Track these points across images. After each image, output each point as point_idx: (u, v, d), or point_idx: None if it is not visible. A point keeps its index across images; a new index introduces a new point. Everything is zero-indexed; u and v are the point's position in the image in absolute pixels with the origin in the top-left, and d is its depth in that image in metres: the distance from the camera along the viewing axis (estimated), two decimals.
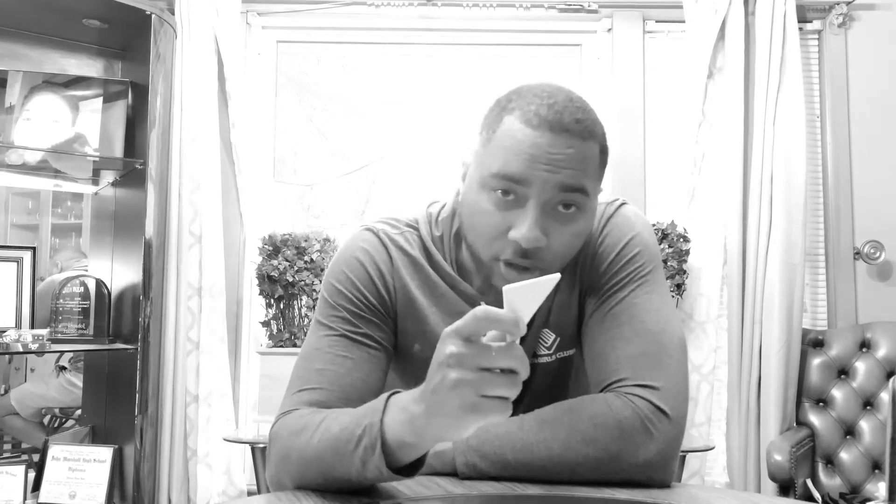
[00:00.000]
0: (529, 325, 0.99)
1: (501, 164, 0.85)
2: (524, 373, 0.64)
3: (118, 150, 2.32)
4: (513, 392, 0.64)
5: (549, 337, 1.00)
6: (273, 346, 2.42)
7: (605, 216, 0.98)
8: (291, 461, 0.84)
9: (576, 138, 0.84)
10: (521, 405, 1.00)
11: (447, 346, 0.65)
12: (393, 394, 0.75)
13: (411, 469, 0.75)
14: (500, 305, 0.99)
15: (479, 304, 0.97)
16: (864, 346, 2.45)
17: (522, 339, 0.99)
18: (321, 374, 0.92)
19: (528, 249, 0.86)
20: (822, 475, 2.35)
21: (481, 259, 0.92)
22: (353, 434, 0.75)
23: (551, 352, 1.00)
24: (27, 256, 2.32)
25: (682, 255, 2.47)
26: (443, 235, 1.01)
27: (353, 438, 0.75)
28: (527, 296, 0.64)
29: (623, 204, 1.01)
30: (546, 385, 1.01)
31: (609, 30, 2.80)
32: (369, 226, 1.02)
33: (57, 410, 3.23)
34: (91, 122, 2.33)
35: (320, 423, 0.82)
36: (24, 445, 3.27)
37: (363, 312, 0.96)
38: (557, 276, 0.64)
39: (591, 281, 0.97)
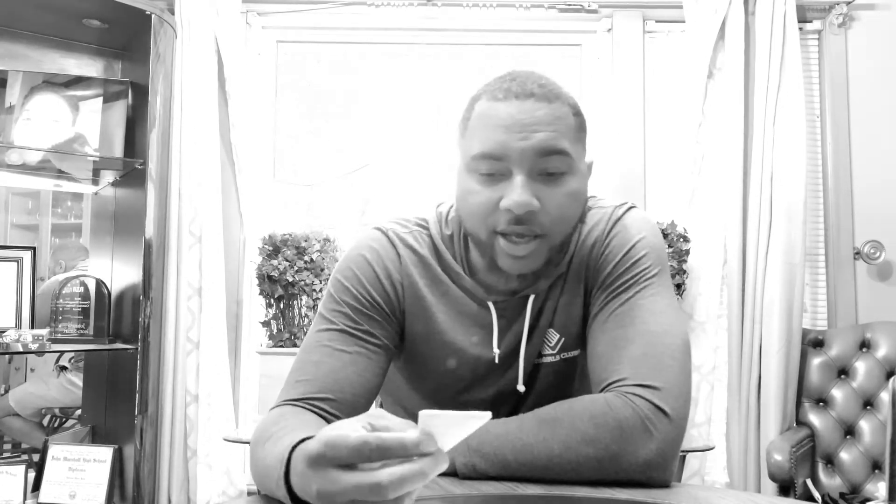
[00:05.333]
0: (534, 326, 0.99)
1: (479, 145, 0.90)
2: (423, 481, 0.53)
3: (118, 150, 2.32)
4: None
5: (554, 337, 1.00)
6: (273, 346, 2.42)
7: (613, 218, 0.99)
8: (252, 471, 0.86)
9: (542, 101, 0.89)
10: (525, 405, 1.00)
11: (313, 479, 0.55)
12: (296, 446, 0.66)
13: None
14: (509, 305, 1.00)
15: (487, 303, 0.98)
16: (864, 346, 2.45)
17: (528, 340, 0.99)
18: (317, 366, 0.93)
19: (522, 215, 0.88)
20: (822, 475, 2.35)
21: (481, 239, 0.93)
22: (273, 474, 0.71)
23: (555, 352, 1.00)
24: (27, 256, 2.32)
25: (682, 255, 2.47)
26: (453, 234, 1.01)
27: (274, 476, 0.71)
28: (443, 424, 0.52)
29: (632, 207, 1.01)
30: (550, 385, 1.01)
31: (609, 30, 2.80)
32: (379, 225, 1.04)
33: (57, 410, 3.24)
34: (91, 122, 2.33)
35: (266, 443, 0.79)
36: (24, 445, 3.27)
37: (366, 309, 0.97)
38: (487, 415, 0.53)
39: (596, 282, 0.97)
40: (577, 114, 0.93)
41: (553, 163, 0.89)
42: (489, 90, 0.92)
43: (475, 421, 0.53)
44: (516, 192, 0.87)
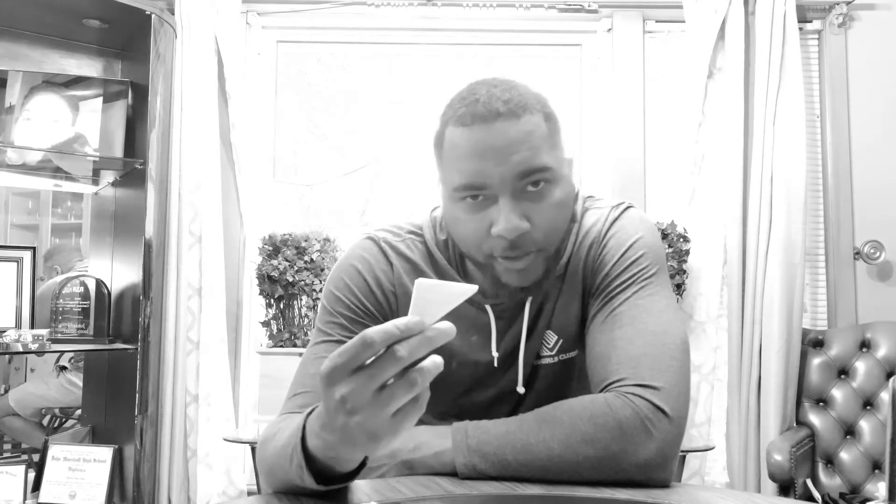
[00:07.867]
0: (532, 327, 0.99)
1: (459, 177, 0.89)
2: (425, 352, 0.59)
3: (118, 150, 2.32)
4: (416, 390, 0.59)
5: (552, 338, 1.00)
6: (273, 346, 2.42)
7: (611, 219, 0.99)
8: (262, 468, 0.86)
9: (510, 119, 0.87)
10: (523, 406, 1.00)
11: (335, 390, 0.60)
12: (310, 413, 0.72)
13: (352, 474, 0.74)
14: (506, 308, 1.00)
15: (485, 306, 0.98)
16: (864, 346, 2.45)
17: (527, 341, 0.99)
18: (315, 378, 0.93)
19: (514, 239, 0.88)
20: (822, 475, 2.35)
21: (479, 262, 0.94)
22: (287, 451, 0.74)
23: (553, 353, 1.00)
24: (27, 256, 2.32)
25: (682, 255, 2.47)
26: (447, 239, 1.01)
27: (288, 454, 0.74)
28: (437, 295, 0.60)
29: (629, 207, 1.01)
30: (548, 386, 1.01)
31: (609, 30, 2.80)
32: (370, 234, 1.04)
33: (57, 410, 3.23)
34: (91, 122, 2.33)
35: (275, 434, 0.82)
36: (24, 445, 3.27)
37: (360, 318, 0.97)
38: (474, 287, 0.61)
39: (594, 282, 0.97)
40: (549, 117, 0.91)
41: (535, 179, 0.88)
42: (456, 115, 0.90)
43: (464, 294, 0.61)
44: (504, 219, 0.87)
